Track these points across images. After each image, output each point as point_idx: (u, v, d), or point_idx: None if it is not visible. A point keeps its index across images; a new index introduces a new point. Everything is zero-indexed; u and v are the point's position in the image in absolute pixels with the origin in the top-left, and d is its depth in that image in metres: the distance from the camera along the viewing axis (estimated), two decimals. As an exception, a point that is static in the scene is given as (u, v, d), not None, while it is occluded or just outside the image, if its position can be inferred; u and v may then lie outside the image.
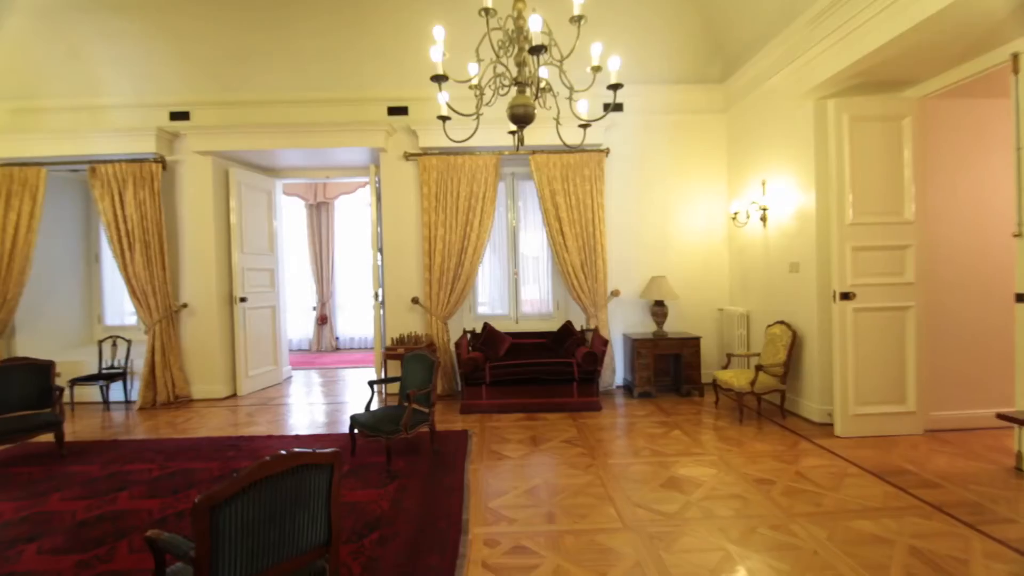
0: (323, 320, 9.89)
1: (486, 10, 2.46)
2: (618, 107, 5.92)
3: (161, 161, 5.72)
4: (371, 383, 4.20)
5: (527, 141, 5.32)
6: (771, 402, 4.93)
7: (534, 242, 6.52)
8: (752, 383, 4.48)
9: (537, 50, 2.39)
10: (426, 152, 5.82)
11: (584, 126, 3.15)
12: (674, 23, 5.50)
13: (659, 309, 5.71)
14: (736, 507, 2.92)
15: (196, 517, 1.41)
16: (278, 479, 1.61)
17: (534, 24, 2.36)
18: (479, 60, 2.93)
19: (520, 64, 2.78)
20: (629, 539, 2.59)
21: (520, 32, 2.76)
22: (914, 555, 2.41)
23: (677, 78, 5.92)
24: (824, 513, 2.83)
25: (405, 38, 5.44)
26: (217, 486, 1.48)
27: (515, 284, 6.39)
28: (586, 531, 2.68)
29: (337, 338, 10.03)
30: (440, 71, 2.60)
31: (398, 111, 5.90)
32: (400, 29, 5.43)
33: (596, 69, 2.91)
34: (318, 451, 1.72)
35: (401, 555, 2.47)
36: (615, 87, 2.79)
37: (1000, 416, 1.70)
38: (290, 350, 8.59)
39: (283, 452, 1.63)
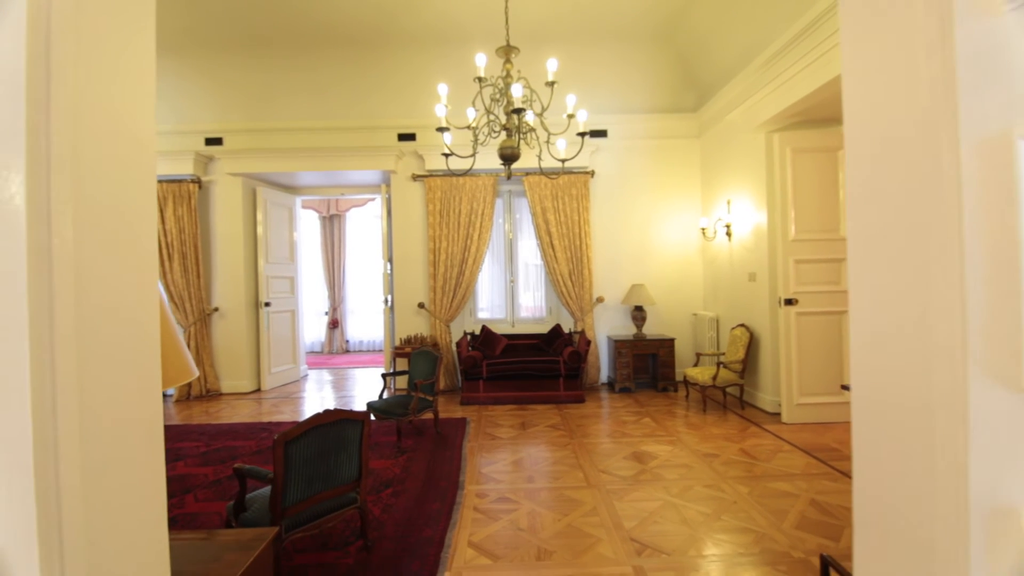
0: (334, 324, 10.60)
1: (479, 79, 3.17)
2: (603, 133, 6.64)
3: (197, 181, 6.47)
4: (383, 375, 4.90)
5: (522, 165, 6.03)
6: (734, 395, 5.59)
7: (530, 251, 7.20)
8: (714, 378, 5.15)
9: (518, 111, 3.09)
10: (432, 174, 6.54)
11: (562, 161, 3.86)
12: (655, 58, 6.21)
13: (639, 313, 6.39)
14: (681, 472, 3.59)
15: (276, 447, 2.10)
16: (326, 427, 2.31)
17: (516, 91, 3.07)
18: (475, 108, 3.67)
19: (508, 114, 3.50)
20: (591, 493, 3.26)
21: (508, 87, 3.48)
22: (812, 505, 3.07)
23: (656, 107, 6.62)
24: (751, 477, 3.49)
25: (414, 71, 6.19)
26: (287, 428, 2.17)
27: (512, 291, 7.08)
28: (557, 488, 3.36)
29: (347, 341, 10.74)
30: (444, 123, 3.32)
31: (407, 137, 6.63)
32: (408, 63, 6.17)
33: (571, 116, 3.64)
34: (354, 410, 2.41)
35: (410, 503, 3.15)
36: (583, 134, 3.50)
37: (844, 387, 2.35)
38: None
39: (329, 408, 2.33)
